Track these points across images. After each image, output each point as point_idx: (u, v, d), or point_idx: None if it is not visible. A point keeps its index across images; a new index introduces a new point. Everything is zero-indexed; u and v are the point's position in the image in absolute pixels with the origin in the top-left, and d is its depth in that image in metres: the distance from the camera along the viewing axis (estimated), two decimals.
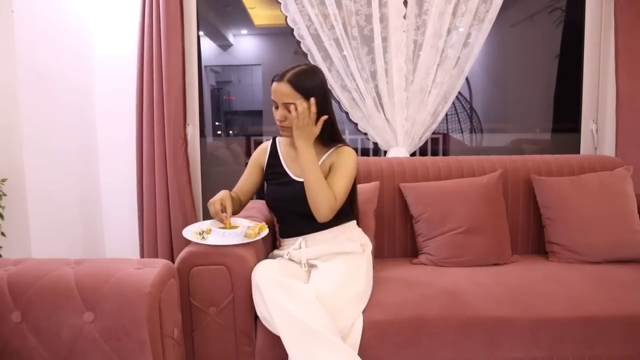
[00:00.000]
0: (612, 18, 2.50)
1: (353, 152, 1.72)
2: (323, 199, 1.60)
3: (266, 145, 1.87)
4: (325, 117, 1.64)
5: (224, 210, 1.63)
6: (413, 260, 2.07)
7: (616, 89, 2.50)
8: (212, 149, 3.52)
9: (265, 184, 1.83)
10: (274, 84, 1.64)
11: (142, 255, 2.55)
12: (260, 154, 1.85)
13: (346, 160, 1.69)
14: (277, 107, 1.66)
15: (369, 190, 2.06)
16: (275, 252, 1.79)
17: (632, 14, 2.44)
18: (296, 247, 1.70)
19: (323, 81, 1.69)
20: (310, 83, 1.63)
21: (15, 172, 2.01)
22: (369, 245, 1.80)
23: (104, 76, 2.61)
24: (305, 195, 1.64)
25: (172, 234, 2.51)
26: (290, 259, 1.69)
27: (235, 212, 1.74)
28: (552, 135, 3.40)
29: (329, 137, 1.72)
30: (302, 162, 1.62)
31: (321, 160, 1.71)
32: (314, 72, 1.67)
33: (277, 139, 1.85)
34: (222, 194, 1.67)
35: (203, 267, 1.53)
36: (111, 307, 1.20)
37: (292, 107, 1.60)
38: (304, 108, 1.59)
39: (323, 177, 1.63)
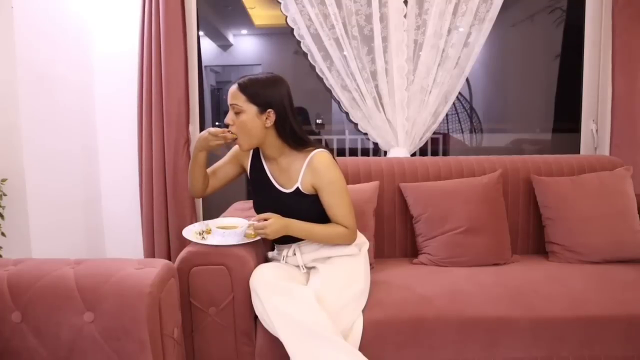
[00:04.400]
0: (611, 18, 2.50)
1: (326, 160, 1.62)
2: (338, 240, 1.65)
3: None
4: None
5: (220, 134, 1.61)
6: (413, 260, 2.07)
7: (612, 89, 2.51)
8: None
9: (253, 194, 1.77)
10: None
11: (146, 256, 2.55)
12: (244, 154, 1.76)
13: (328, 179, 1.61)
14: None
15: (369, 190, 2.06)
16: (271, 254, 1.79)
17: (630, 14, 2.43)
18: (290, 254, 1.70)
19: (279, 91, 1.60)
20: (259, 89, 1.58)
21: (15, 172, 2.01)
22: (365, 244, 1.78)
23: (104, 76, 2.61)
24: (294, 208, 1.64)
25: (169, 234, 2.51)
26: (288, 263, 1.70)
27: (200, 189, 1.73)
28: (552, 135, 3.40)
29: (295, 142, 1.63)
30: (298, 236, 1.64)
31: (300, 177, 1.63)
32: (268, 81, 1.60)
33: None
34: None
35: (203, 267, 1.53)
36: (111, 307, 1.20)
37: None
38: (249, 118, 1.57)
39: (323, 230, 1.63)
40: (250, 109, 1.57)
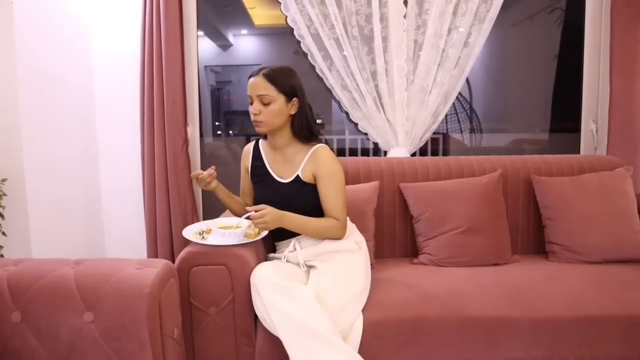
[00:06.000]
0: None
1: (329, 153, 1.72)
2: (329, 234, 1.69)
3: (249, 147, 1.89)
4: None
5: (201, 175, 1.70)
6: (413, 260, 2.07)
7: (609, 89, 2.51)
8: (212, 149, 3.51)
9: (254, 189, 1.84)
10: (250, 79, 1.69)
11: (149, 256, 2.55)
12: (245, 158, 1.88)
13: (329, 170, 1.69)
14: (252, 103, 1.69)
15: (369, 190, 2.06)
16: (271, 255, 1.79)
17: (629, 15, 2.43)
18: (291, 249, 1.71)
19: (297, 80, 1.71)
20: (284, 78, 1.67)
21: (15, 172, 2.01)
22: (363, 242, 1.81)
23: (104, 76, 2.61)
24: (292, 197, 1.70)
25: (172, 234, 2.51)
26: (288, 261, 1.70)
27: (241, 213, 1.77)
28: (552, 135, 3.39)
29: (305, 136, 1.73)
30: (291, 229, 1.67)
31: (302, 166, 1.71)
32: (288, 71, 1.71)
33: (260, 140, 1.87)
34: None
35: (203, 267, 1.53)
36: (111, 307, 1.20)
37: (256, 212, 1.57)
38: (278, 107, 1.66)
39: (315, 223, 1.67)
40: (280, 99, 1.66)
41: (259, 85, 1.66)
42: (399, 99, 2.51)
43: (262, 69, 1.68)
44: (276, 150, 1.78)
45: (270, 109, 1.66)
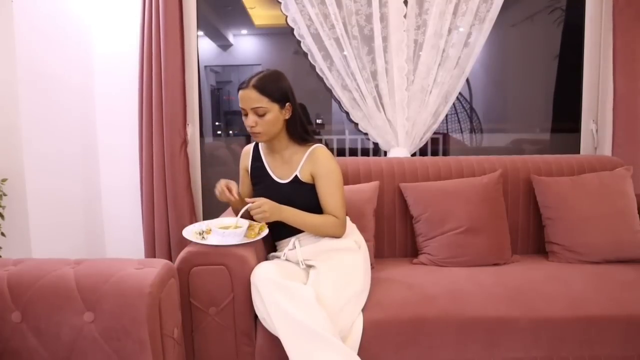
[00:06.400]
0: (611, 18, 2.50)
1: (327, 152, 1.74)
2: (328, 231, 1.69)
3: (248, 148, 1.90)
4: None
5: (229, 191, 1.69)
6: (413, 260, 2.07)
7: (613, 89, 2.51)
8: (212, 149, 3.51)
9: (253, 190, 1.85)
10: (240, 92, 1.68)
11: (146, 256, 2.55)
12: (244, 159, 1.89)
13: (327, 169, 1.70)
14: (246, 114, 1.69)
15: (369, 190, 2.06)
16: (272, 254, 1.80)
17: (631, 14, 2.43)
18: (290, 247, 1.71)
19: (287, 83, 1.71)
20: (275, 86, 1.67)
21: (15, 172, 2.01)
22: (363, 242, 1.81)
23: (104, 75, 2.61)
24: (291, 197, 1.70)
25: (170, 235, 2.51)
26: (287, 260, 1.70)
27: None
28: (552, 135, 3.39)
29: (301, 137, 1.75)
30: (290, 223, 1.67)
31: (300, 166, 1.73)
32: (277, 76, 1.71)
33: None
34: (223, 180, 1.73)
35: (203, 267, 1.53)
36: (111, 307, 1.20)
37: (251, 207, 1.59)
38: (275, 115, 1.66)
39: (314, 219, 1.68)
40: (274, 108, 1.67)
41: (251, 98, 1.65)
42: (399, 99, 2.51)
43: (251, 79, 1.67)
44: (275, 153, 1.79)
45: (266, 119, 1.66)
